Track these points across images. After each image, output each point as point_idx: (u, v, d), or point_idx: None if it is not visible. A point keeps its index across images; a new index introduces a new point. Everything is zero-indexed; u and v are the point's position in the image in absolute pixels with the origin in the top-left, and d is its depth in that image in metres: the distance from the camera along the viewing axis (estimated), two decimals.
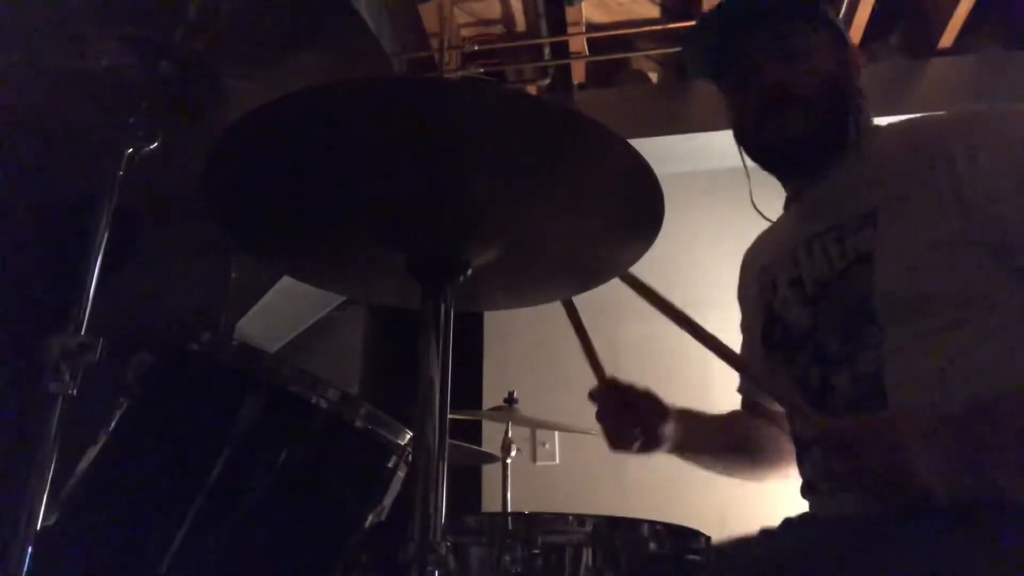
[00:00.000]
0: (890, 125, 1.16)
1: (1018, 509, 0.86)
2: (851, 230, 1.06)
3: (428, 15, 3.12)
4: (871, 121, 1.18)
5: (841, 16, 2.96)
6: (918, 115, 1.15)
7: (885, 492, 0.88)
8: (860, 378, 1.01)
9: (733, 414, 1.40)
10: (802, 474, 1.13)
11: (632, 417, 1.23)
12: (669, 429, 1.23)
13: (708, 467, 1.35)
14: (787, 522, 1.12)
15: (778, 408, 1.29)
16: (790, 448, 1.20)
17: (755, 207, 1.29)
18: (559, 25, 3.10)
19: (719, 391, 3.11)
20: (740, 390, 1.40)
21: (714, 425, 1.36)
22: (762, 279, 1.24)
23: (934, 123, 1.09)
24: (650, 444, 1.23)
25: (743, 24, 1.15)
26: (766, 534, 1.12)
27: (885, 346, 0.99)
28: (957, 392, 0.93)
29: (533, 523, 0.96)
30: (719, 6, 1.18)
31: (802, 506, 1.14)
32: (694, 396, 3.30)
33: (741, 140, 1.21)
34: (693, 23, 2.96)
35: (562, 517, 0.97)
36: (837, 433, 0.93)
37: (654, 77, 3.37)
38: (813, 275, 1.11)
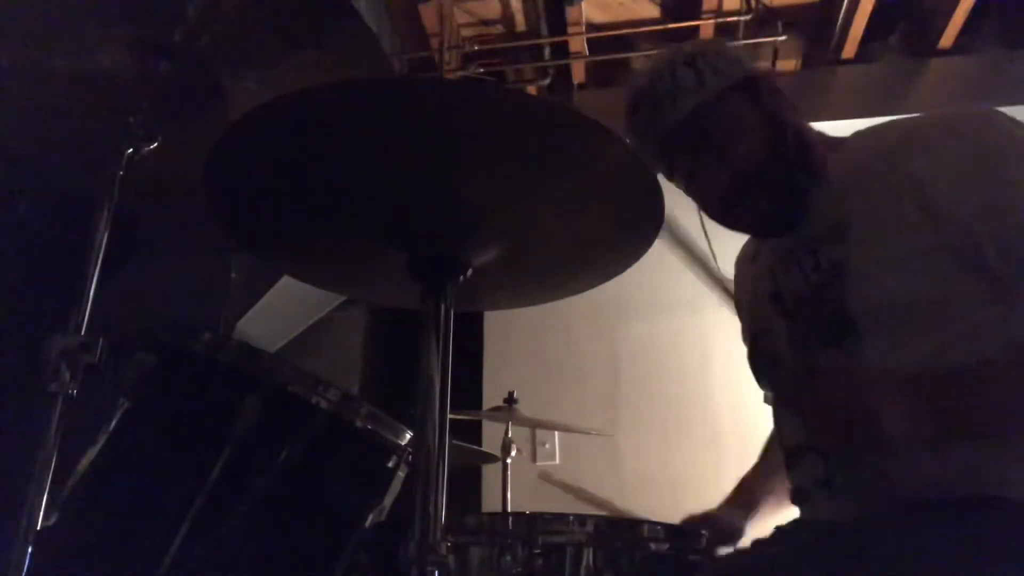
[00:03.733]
0: (855, 135, 1.15)
1: (1009, 510, 0.86)
2: (823, 243, 1.07)
3: (428, 15, 3.11)
4: (813, 133, 1.16)
5: (841, 16, 2.96)
6: (880, 121, 1.14)
7: (848, 430, 0.92)
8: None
9: (769, 453, 1.36)
10: (792, 481, 1.13)
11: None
12: (738, 523, 1.26)
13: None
14: (778, 530, 1.13)
15: None
16: None
17: (718, 271, 1.30)
18: (559, 25, 3.10)
19: (719, 391, 3.11)
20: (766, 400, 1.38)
21: (762, 483, 1.33)
22: (747, 297, 1.25)
23: (895, 131, 1.08)
24: (731, 542, 1.25)
25: (664, 148, 1.13)
26: (758, 544, 1.13)
27: (865, 355, 1.00)
28: (937, 396, 0.93)
29: (533, 523, 0.96)
30: (632, 130, 1.15)
31: (796, 511, 1.14)
32: (694, 396, 3.30)
33: (716, 221, 1.18)
34: (694, 23, 2.96)
35: (562, 517, 0.97)
36: (807, 380, 0.99)
37: None
38: (790, 289, 1.11)
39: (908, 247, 0.98)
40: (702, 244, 2.92)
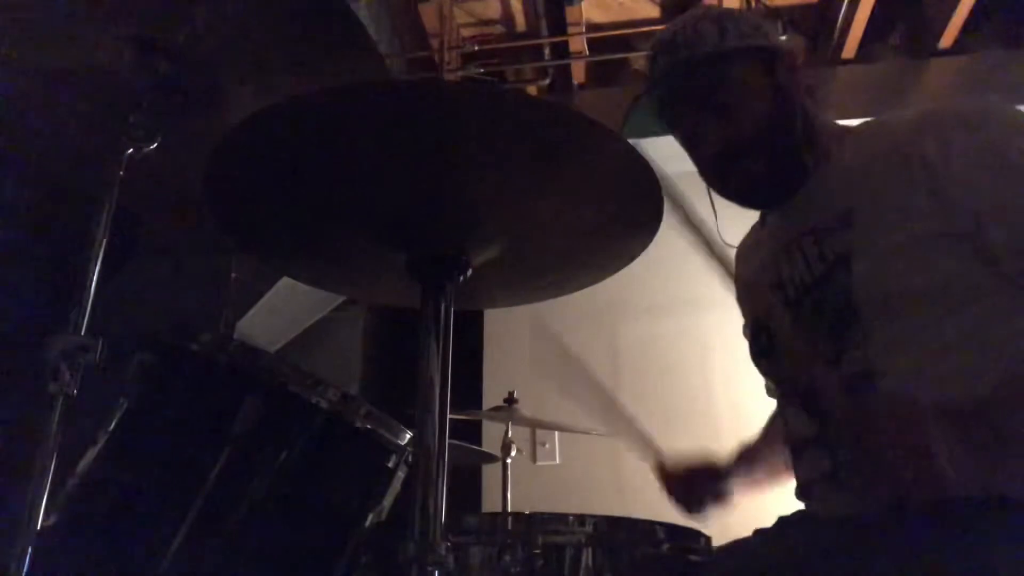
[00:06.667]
0: (862, 126, 1.15)
1: (1015, 509, 0.86)
2: (828, 232, 1.06)
3: (428, 15, 3.12)
4: (824, 120, 1.17)
5: (841, 16, 2.96)
6: (888, 114, 1.14)
7: (904, 471, 0.84)
8: (847, 378, 1.01)
9: (773, 425, 1.36)
10: (797, 475, 1.13)
11: (696, 488, 1.27)
12: (732, 484, 1.28)
13: (773, 488, 1.35)
14: (781, 521, 1.13)
15: None
16: None
17: (724, 242, 1.31)
18: (559, 25, 3.11)
19: (719, 390, 3.10)
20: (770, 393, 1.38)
21: (764, 451, 1.34)
22: (749, 287, 1.25)
23: (906, 123, 1.08)
24: (719, 500, 1.27)
25: (673, 93, 1.14)
26: (761, 534, 1.12)
27: (870, 345, 0.99)
28: (945, 387, 0.93)
29: (533, 523, 0.96)
30: (648, 87, 1.17)
31: (799, 507, 1.14)
32: (694, 395, 3.28)
33: (708, 184, 1.20)
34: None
35: (562, 517, 0.97)
36: (861, 411, 0.91)
37: None
38: (794, 279, 1.11)
39: (917, 234, 0.98)
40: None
